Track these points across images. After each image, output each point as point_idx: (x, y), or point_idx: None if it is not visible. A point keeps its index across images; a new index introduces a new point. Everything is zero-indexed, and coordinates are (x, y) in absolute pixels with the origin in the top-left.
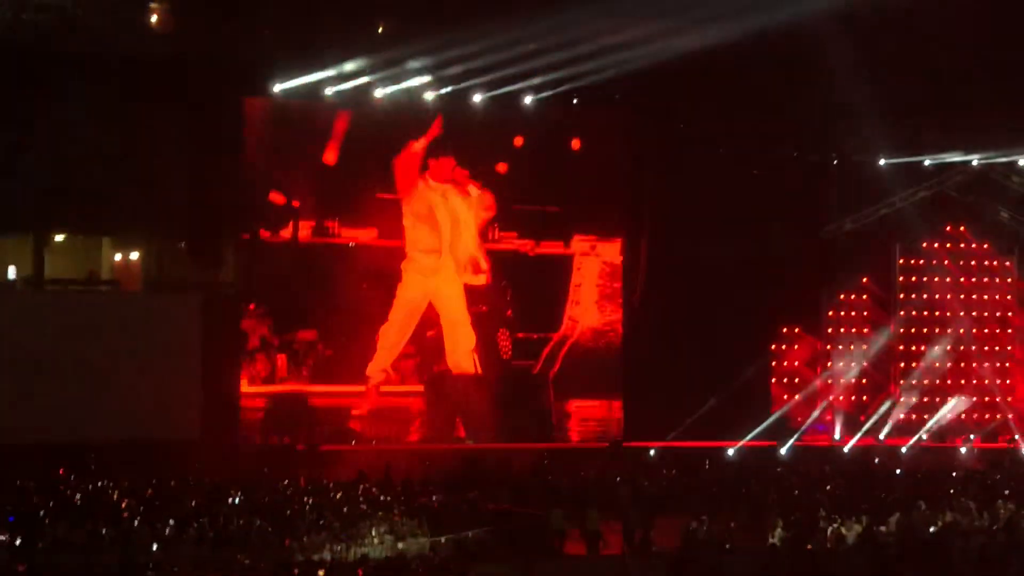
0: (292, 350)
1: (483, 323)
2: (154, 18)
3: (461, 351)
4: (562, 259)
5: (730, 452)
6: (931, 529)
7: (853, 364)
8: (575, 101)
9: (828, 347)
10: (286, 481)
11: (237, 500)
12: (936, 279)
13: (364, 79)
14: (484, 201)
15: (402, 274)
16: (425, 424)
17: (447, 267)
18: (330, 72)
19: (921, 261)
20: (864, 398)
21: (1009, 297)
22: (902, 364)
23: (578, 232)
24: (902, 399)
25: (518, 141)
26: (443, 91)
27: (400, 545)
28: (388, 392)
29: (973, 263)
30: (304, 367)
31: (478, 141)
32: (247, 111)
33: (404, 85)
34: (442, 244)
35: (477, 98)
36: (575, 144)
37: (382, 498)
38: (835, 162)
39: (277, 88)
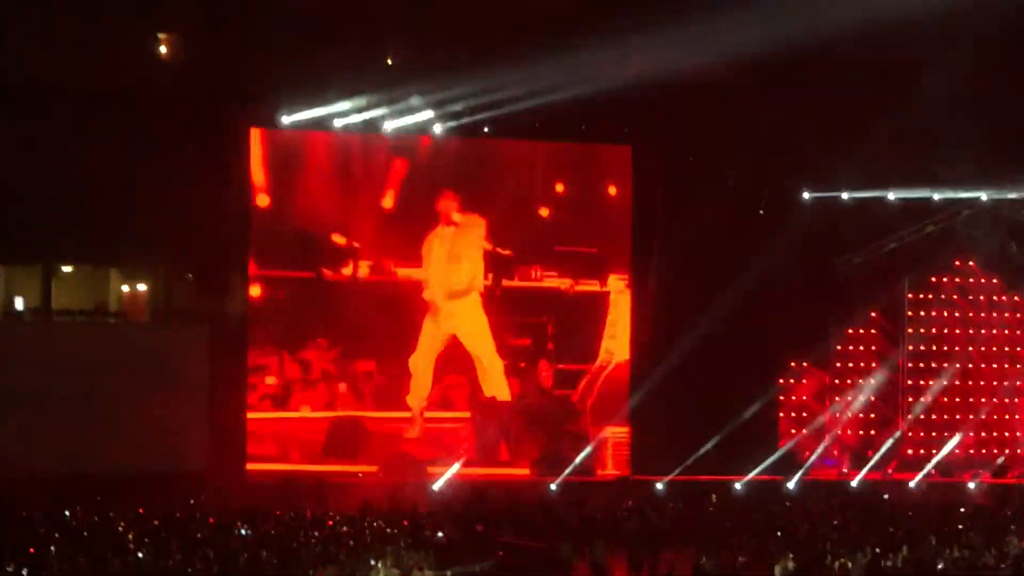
0: (352, 380)
1: (526, 355)
2: (163, 49)
3: (491, 383)
4: (599, 296)
5: (737, 486)
6: (939, 565)
7: (861, 398)
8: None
9: (836, 381)
10: (292, 513)
11: (244, 532)
12: (945, 313)
13: (373, 112)
14: (478, 231)
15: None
16: (472, 448)
17: (460, 303)
18: (339, 105)
19: (930, 295)
20: (872, 432)
21: (1018, 332)
22: (910, 399)
23: (613, 271)
24: (910, 434)
25: (560, 187)
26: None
27: None
28: (436, 418)
29: (982, 298)
30: (364, 395)
31: (507, 184)
32: (254, 141)
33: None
34: (448, 281)
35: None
36: (611, 189)
37: (388, 531)
38: (843, 196)
39: (286, 120)
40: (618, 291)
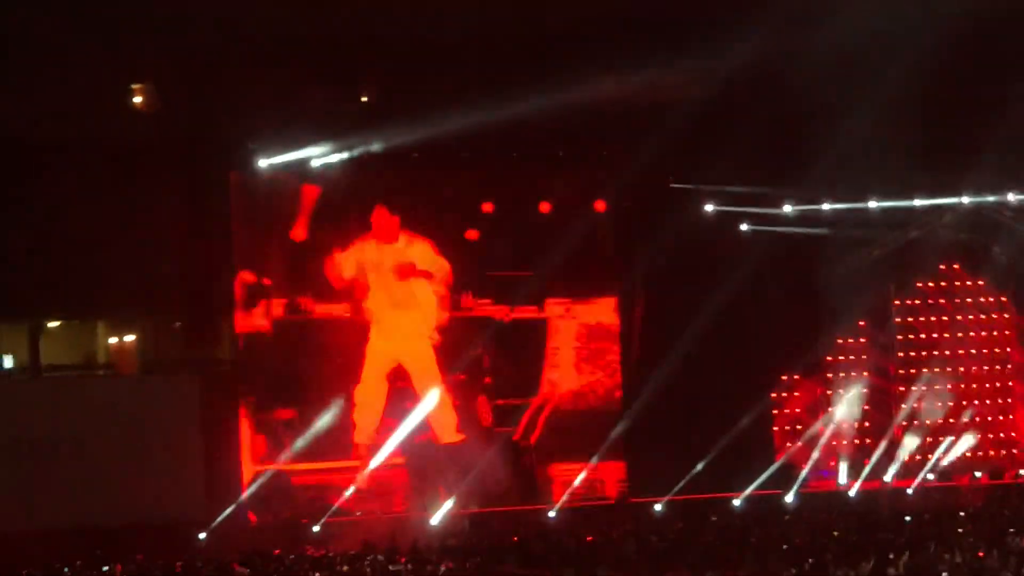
0: (271, 429)
1: (462, 391)
2: (138, 99)
3: (439, 419)
4: (537, 323)
5: (736, 502)
6: (941, 571)
7: (854, 408)
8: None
9: (828, 392)
10: (292, 556)
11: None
12: (933, 318)
13: (347, 152)
14: (416, 251)
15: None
16: (409, 496)
17: (406, 317)
18: (314, 147)
19: (917, 301)
20: (867, 441)
21: (1007, 332)
22: (903, 405)
23: (551, 295)
24: (905, 440)
25: (487, 207)
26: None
27: None
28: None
29: (969, 300)
30: (285, 446)
31: (441, 207)
32: (233, 187)
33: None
34: (393, 290)
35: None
36: (544, 207)
37: (389, 568)
38: (824, 206)
39: (263, 163)
40: (558, 316)
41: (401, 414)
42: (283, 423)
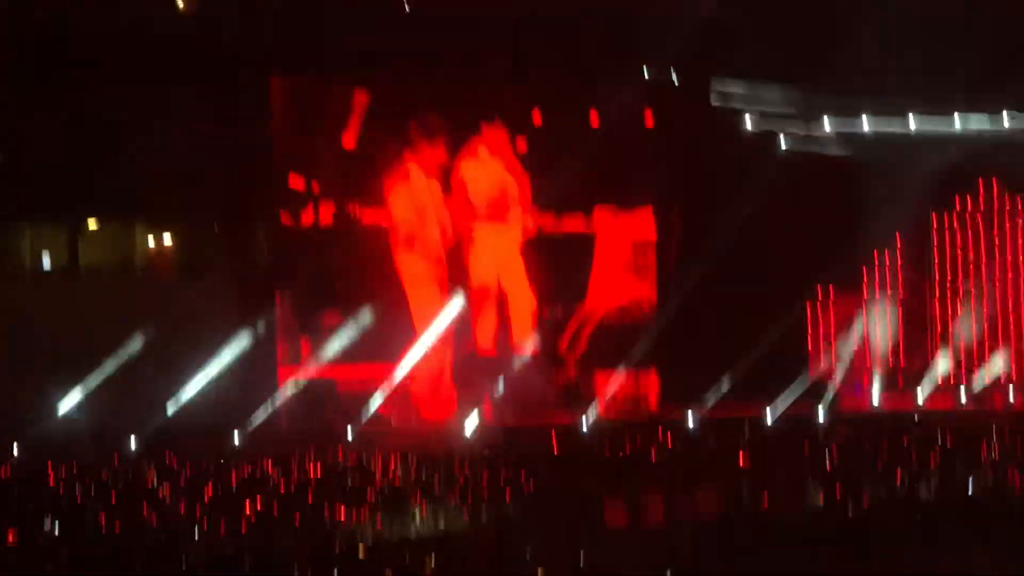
0: (311, 334)
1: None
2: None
3: (521, 324)
4: (584, 236)
5: (768, 418)
6: (972, 493)
7: (890, 324)
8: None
9: (864, 308)
10: (328, 461)
11: (278, 481)
12: (970, 235)
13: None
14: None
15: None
16: (450, 405)
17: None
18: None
19: (955, 218)
20: (902, 359)
21: None
22: (940, 325)
23: (599, 207)
24: (939, 361)
25: (537, 119)
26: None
27: (441, 524)
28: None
29: (1007, 218)
30: (324, 351)
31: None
32: (275, 91)
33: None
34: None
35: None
36: (593, 120)
37: (423, 476)
38: (866, 127)
39: (303, 68)
40: (605, 228)
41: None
42: (324, 328)
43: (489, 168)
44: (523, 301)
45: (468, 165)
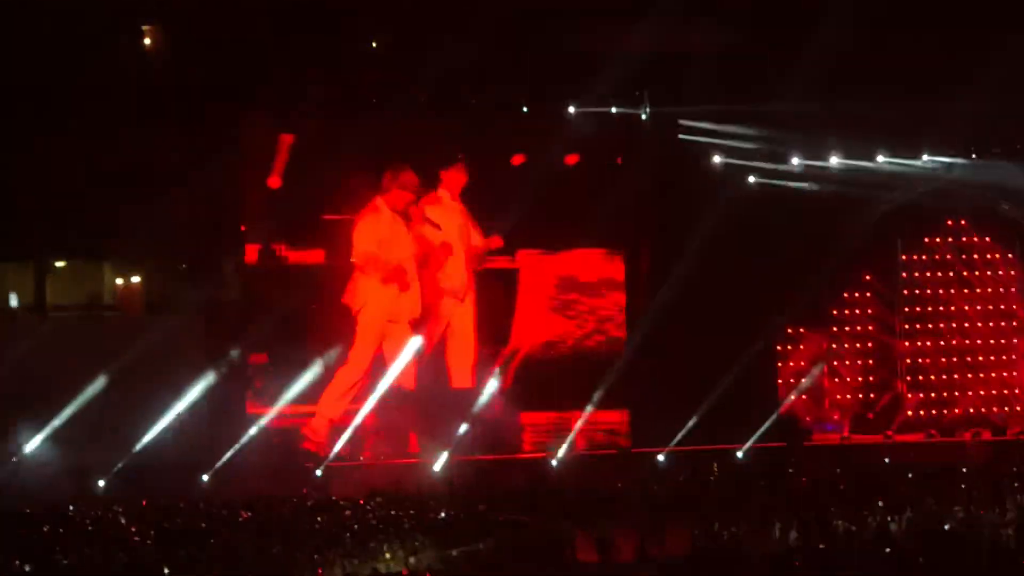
0: (273, 372)
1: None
2: (147, 40)
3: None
4: (508, 273)
5: (739, 454)
6: (942, 526)
7: (859, 362)
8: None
9: (833, 346)
10: (295, 500)
11: (247, 520)
12: (939, 274)
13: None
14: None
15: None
16: (379, 441)
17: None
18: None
19: (923, 256)
20: (871, 395)
21: (1013, 289)
22: (908, 360)
23: (523, 246)
24: (908, 395)
25: (501, 156)
26: None
27: (411, 560)
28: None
29: (976, 256)
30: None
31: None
32: (243, 130)
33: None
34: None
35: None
36: (516, 160)
37: (392, 513)
38: (832, 162)
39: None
40: (529, 266)
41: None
42: (292, 366)
43: (453, 209)
44: (475, 340)
45: (432, 206)
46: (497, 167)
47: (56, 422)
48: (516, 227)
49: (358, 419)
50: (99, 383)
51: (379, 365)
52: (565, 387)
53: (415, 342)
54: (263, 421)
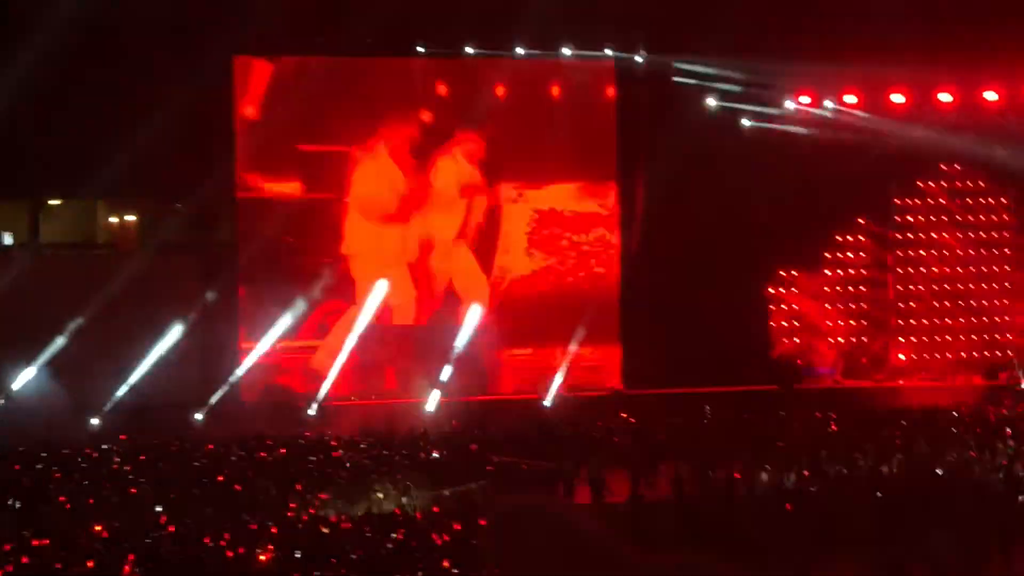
0: (268, 310)
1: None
2: None
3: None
4: (490, 209)
5: (731, 397)
6: (933, 469)
7: (852, 305)
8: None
9: (826, 288)
10: (289, 439)
11: (241, 459)
12: (932, 217)
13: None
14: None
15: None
16: (374, 381)
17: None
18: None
19: (916, 200)
20: (864, 339)
21: (1006, 233)
22: (901, 304)
23: (504, 179)
24: (901, 339)
25: (442, 90)
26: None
27: (404, 500)
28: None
29: (969, 200)
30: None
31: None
32: (238, 70)
33: None
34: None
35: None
36: (499, 91)
37: (384, 453)
38: (827, 104)
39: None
40: (510, 200)
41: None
42: (286, 303)
43: (463, 166)
44: (478, 277)
45: (444, 158)
46: (494, 105)
47: (49, 359)
48: (513, 163)
49: (348, 358)
50: (92, 320)
51: (380, 309)
52: (558, 325)
53: (382, 285)
54: (255, 358)
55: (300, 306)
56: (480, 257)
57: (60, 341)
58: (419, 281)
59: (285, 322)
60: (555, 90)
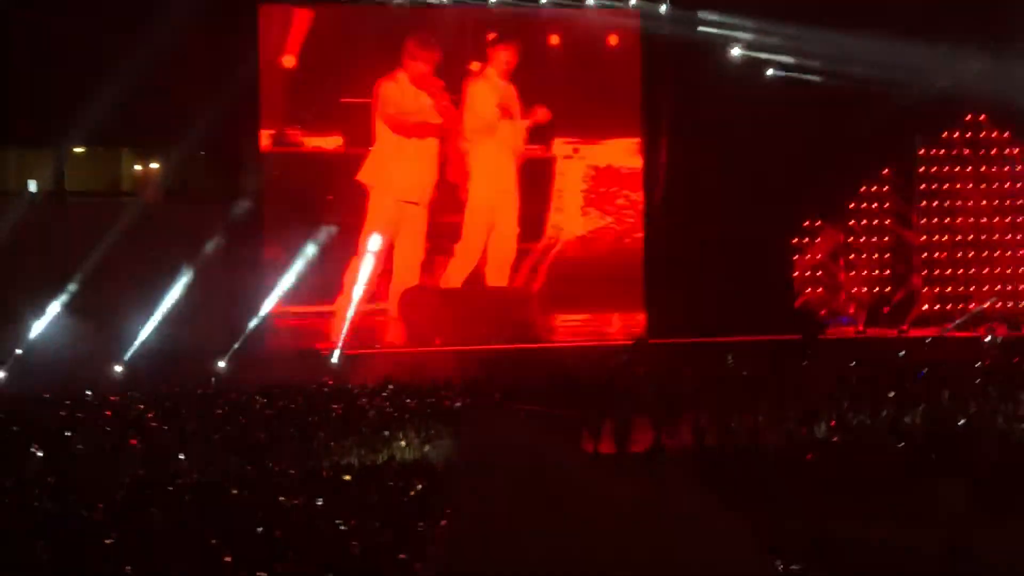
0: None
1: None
2: None
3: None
4: (542, 163)
5: (754, 347)
6: (956, 421)
7: (875, 256)
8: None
9: (850, 239)
10: (311, 387)
11: (264, 407)
12: (957, 168)
13: None
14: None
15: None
16: (397, 331)
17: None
18: None
19: (941, 151)
20: (887, 289)
21: None
22: (924, 255)
23: (559, 135)
24: (925, 290)
25: (490, 37)
26: None
27: (427, 448)
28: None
29: (994, 151)
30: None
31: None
32: (263, 17)
33: None
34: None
35: None
36: (552, 41)
37: (408, 401)
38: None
39: None
40: (565, 156)
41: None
42: (303, 255)
43: (497, 87)
44: (509, 229)
45: (476, 82)
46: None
47: (73, 307)
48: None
49: (375, 310)
50: (116, 269)
51: (401, 255)
52: (590, 282)
53: (375, 241)
54: (273, 305)
55: (326, 258)
56: (531, 216)
57: (84, 289)
58: (458, 234)
59: (310, 273)
60: (582, 42)
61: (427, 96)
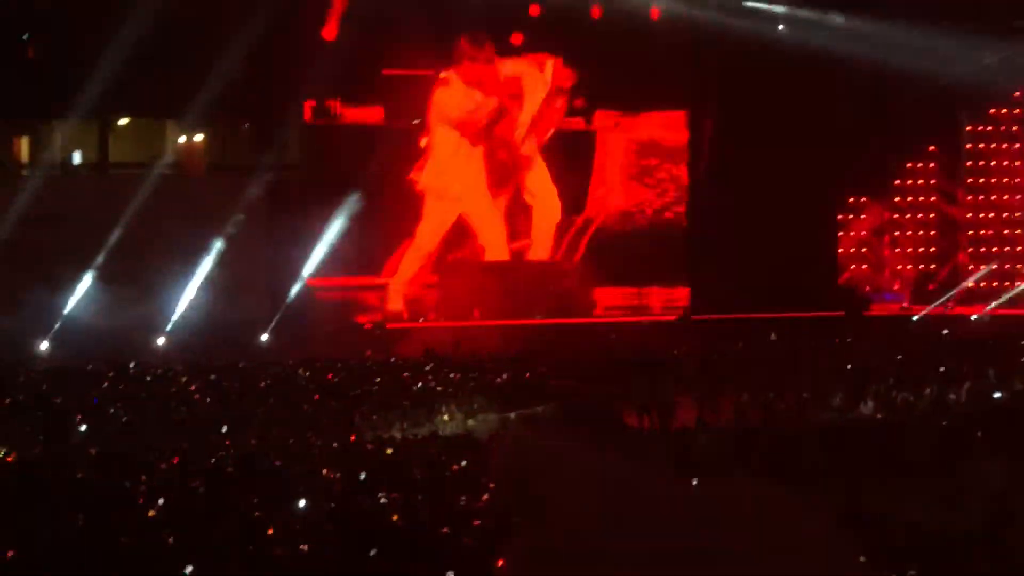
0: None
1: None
2: None
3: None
4: (584, 136)
5: (798, 323)
6: (1002, 398)
7: (921, 232)
8: None
9: (895, 215)
10: (354, 361)
11: (306, 381)
12: (1004, 146)
13: None
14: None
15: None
16: (440, 312)
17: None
18: None
19: (988, 127)
20: (933, 267)
21: None
22: (970, 232)
23: (601, 107)
24: (971, 267)
25: (534, 10)
26: None
27: (470, 422)
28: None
29: None
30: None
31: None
32: None
33: None
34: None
35: None
36: (595, 12)
37: (451, 375)
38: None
39: None
40: (606, 129)
41: None
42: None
43: (536, 81)
44: (550, 204)
45: (506, 68)
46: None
47: (116, 280)
48: (592, 87)
49: (420, 286)
50: (158, 242)
51: (453, 235)
52: (632, 256)
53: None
54: (315, 277)
55: (367, 232)
56: (572, 189)
57: (126, 261)
58: (501, 212)
59: (351, 246)
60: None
61: (481, 94)
